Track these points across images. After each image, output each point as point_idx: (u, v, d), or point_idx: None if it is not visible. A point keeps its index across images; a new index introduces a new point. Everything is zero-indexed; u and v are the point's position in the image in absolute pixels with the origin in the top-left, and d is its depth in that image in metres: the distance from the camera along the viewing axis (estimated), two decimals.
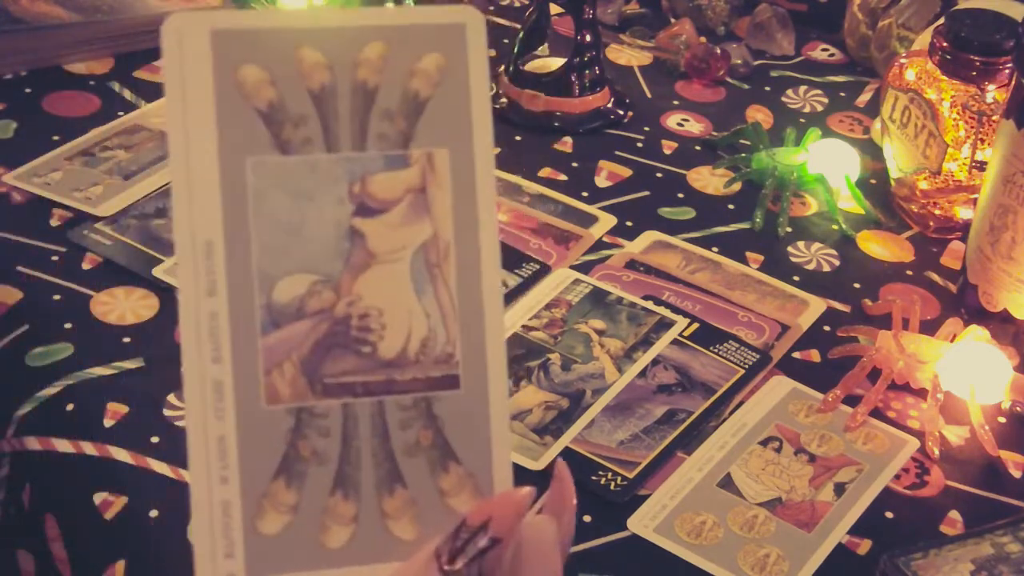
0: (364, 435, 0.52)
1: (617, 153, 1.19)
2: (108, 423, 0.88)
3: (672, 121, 1.24)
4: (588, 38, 1.21)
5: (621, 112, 1.24)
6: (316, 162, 0.51)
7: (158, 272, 0.99)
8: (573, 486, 0.54)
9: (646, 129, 1.23)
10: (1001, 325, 0.98)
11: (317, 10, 0.54)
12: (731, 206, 1.13)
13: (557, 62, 1.23)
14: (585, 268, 1.04)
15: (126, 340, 0.94)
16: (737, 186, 1.15)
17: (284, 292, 0.51)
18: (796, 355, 0.98)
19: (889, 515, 0.86)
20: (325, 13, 0.52)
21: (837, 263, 1.08)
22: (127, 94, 1.21)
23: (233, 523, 0.51)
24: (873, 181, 1.17)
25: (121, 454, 0.86)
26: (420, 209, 0.52)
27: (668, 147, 1.21)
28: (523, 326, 0.97)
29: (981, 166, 1.06)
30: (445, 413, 0.52)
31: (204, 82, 0.51)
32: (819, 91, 1.30)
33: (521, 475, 0.86)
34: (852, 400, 0.93)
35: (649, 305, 1.00)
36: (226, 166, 0.51)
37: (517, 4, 1.41)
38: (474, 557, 0.48)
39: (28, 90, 1.20)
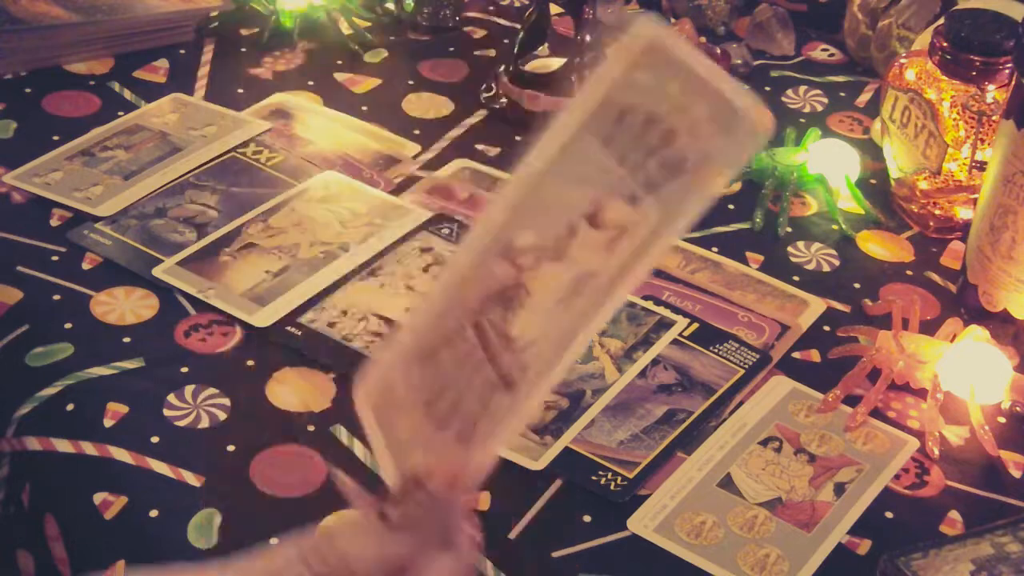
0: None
1: None
2: (108, 423, 0.88)
3: None
4: (588, 38, 1.21)
5: None
6: (603, 163, 0.55)
7: (158, 272, 0.99)
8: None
9: None
10: (1001, 325, 0.98)
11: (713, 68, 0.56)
12: (731, 206, 1.13)
13: (557, 62, 1.23)
14: None
15: (126, 340, 0.94)
16: (737, 186, 1.15)
17: (523, 239, 0.56)
18: (796, 355, 0.98)
19: (889, 515, 0.86)
20: (715, 71, 0.54)
21: (837, 263, 1.08)
22: (127, 94, 1.21)
23: None
24: (873, 181, 1.17)
25: (121, 454, 0.86)
26: (610, 247, 0.54)
27: None
28: None
29: (981, 166, 1.06)
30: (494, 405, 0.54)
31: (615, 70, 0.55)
32: (819, 91, 1.30)
33: (521, 475, 0.87)
34: (852, 400, 0.93)
35: (649, 305, 1.00)
36: (577, 133, 0.56)
37: (517, 4, 1.41)
38: (411, 507, 0.50)
39: (28, 90, 1.20)
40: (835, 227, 1.12)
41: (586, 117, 0.54)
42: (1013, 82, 0.95)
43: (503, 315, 0.53)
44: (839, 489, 0.87)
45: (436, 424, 0.53)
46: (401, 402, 0.55)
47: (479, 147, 1.18)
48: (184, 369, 0.92)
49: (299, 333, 0.95)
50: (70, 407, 0.89)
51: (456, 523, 0.51)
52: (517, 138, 1.20)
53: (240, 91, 1.22)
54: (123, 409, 0.89)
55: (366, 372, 0.57)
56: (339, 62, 1.28)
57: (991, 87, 1.04)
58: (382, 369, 0.57)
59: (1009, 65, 1.02)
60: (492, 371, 0.53)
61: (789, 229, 1.11)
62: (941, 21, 1.07)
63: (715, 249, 1.08)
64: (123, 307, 0.97)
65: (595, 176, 0.53)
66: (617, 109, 0.53)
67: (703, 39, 1.33)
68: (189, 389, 0.91)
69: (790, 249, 1.09)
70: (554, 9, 1.29)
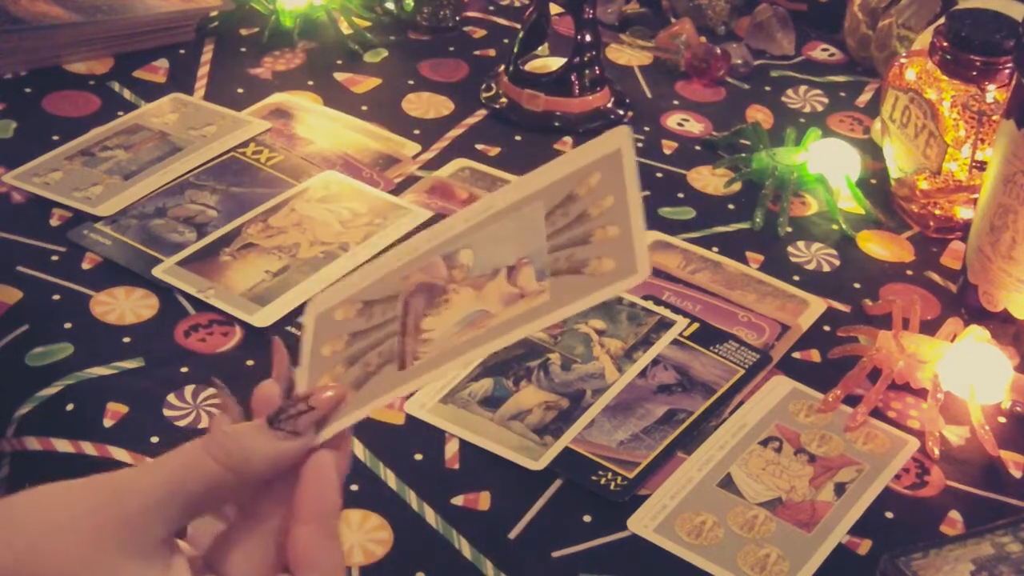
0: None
1: None
2: (108, 423, 0.88)
3: (672, 121, 1.24)
4: (588, 38, 1.21)
5: (621, 112, 1.24)
6: (538, 230, 0.59)
7: (158, 272, 0.99)
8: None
9: (646, 129, 1.23)
10: (1001, 325, 0.98)
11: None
12: (731, 206, 1.13)
13: (557, 62, 1.23)
14: None
15: (126, 340, 0.94)
16: (737, 186, 1.15)
17: (466, 256, 0.61)
18: (796, 355, 0.98)
19: (889, 515, 0.86)
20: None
21: (837, 263, 1.08)
22: (127, 94, 1.21)
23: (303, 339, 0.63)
24: (873, 181, 1.17)
25: (121, 454, 0.86)
26: (508, 302, 0.58)
27: (668, 147, 1.21)
28: None
29: (981, 166, 1.05)
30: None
31: (581, 160, 0.60)
32: (819, 91, 1.30)
33: (522, 475, 0.87)
34: (852, 400, 0.93)
35: (649, 305, 1.00)
36: (525, 200, 0.60)
37: (517, 4, 1.41)
38: (294, 416, 0.57)
39: (28, 90, 1.20)
40: (835, 227, 1.12)
41: (546, 185, 0.59)
42: (1013, 82, 0.95)
43: (425, 306, 0.60)
44: (839, 489, 0.87)
45: (347, 360, 0.60)
46: (334, 326, 0.62)
47: (479, 147, 1.18)
48: (184, 369, 0.92)
49: (299, 333, 0.95)
50: (70, 407, 0.89)
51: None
52: (517, 138, 1.20)
53: (240, 91, 1.22)
54: (123, 409, 0.89)
55: (324, 291, 0.65)
56: (339, 62, 1.28)
57: (991, 87, 1.04)
58: (335, 293, 0.64)
59: (1009, 65, 1.02)
60: (397, 345, 0.59)
61: (789, 229, 1.11)
62: (941, 21, 1.07)
63: (715, 249, 1.08)
64: (123, 307, 0.97)
65: (529, 239, 0.58)
66: (566, 192, 0.58)
67: (703, 39, 1.33)
68: (189, 389, 0.91)
69: (790, 249, 1.09)
70: (554, 9, 1.29)
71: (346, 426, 0.58)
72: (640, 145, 1.20)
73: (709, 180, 1.16)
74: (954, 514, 0.87)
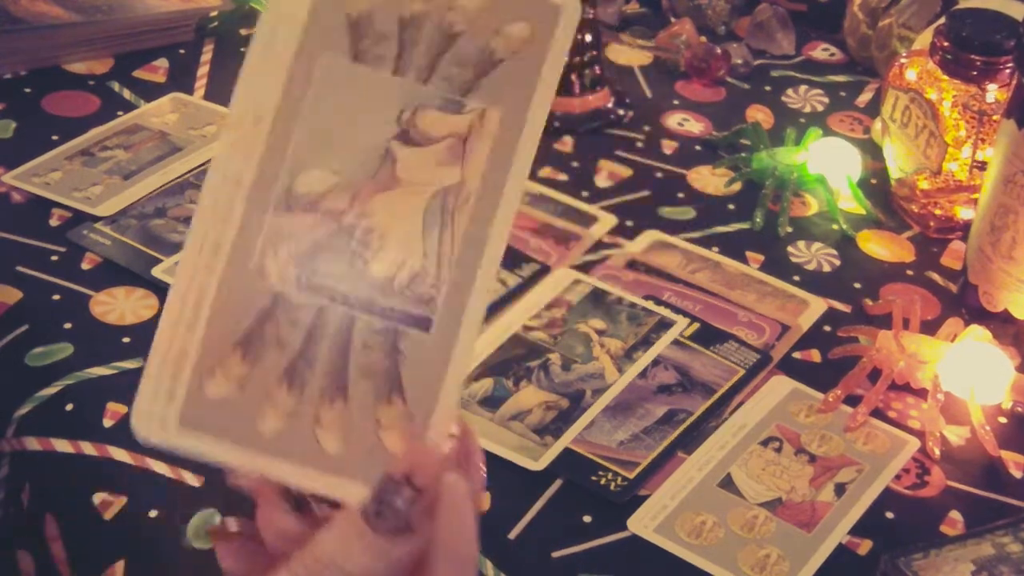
0: (327, 340, 0.53)
1: (617, 153, 1.19)
2: (108, 423, 0.88)
3: (672, 121, 1.24)
4: (588, 38, 1.21)
5: (621, 112, 1.23)
6: (380, 79, 0.53)
7: (158, 272, 0.99)
8: (477, 441, 0.54)
9: (646, 129, 1.23)
10: (1002, 325, 0.98)
11: None
12: (731, 206, 1.13)
13: None
14: (585, 268, 1.04)
15: (126, 340, 0.94)
16: (737, 186, 1.15)
17: (307, 183, 0.53)
18: (796, 355, 0.98)
19: (889, 515, 0.86)
20: None
21: (837, 263, 1.08)
22: (127, 94, 1.21)
23: (183, 372, 0.52)
24: (873, 181, 1.17)
25: (121, 454, 0.86)
26: (456, 155, 0.53)
27: (668, 147, 1.20)
28: (523, 326, 0.97)
29: (982, 166, 1.05)
30: (408, 350, 0.53)
31: None
32: (819, 91, 1.30)
33: (521, 475, 0.87)
34: (852, 400, 0.93)
35: (649, 305, 1.00)
36: (300, 55, 0.53)
37: None
38: (400, 509, 0.48)
39: (28, 90, 1.20)
40: (835, 227, 1.12)
41: (302, 36, 0.53)
42: (1014, 82, 0.95)
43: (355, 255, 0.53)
44: (839, 489, 0.87)
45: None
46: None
47: None
48: None
49: None
50: (70, 407, 0.89)
51: (459, 515, 0.50)
52: None
53: None
54: (123, 409, 0.89)
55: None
56: None
57: (992, 87, 1.04)
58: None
59: (1010, 65, 1.02)
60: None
61: (789, 229, 1.11)
62: (942, 21, 1.07)
63: (715, 249, 1.08)
64: (123, 307, 0.97)
65: (369, 97, 0.53)
66: (340, 14, 0.53)
67: (703, 39, 1.33)
68: None
69: (790, 249, 1.09)
70: None
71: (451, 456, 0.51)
72: (640, 145, 1.20)
73: (709, 180, 1.16)
74: (954, 514, 0.87)
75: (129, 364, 0.92)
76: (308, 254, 0.53)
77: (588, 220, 1.09)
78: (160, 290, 0.98)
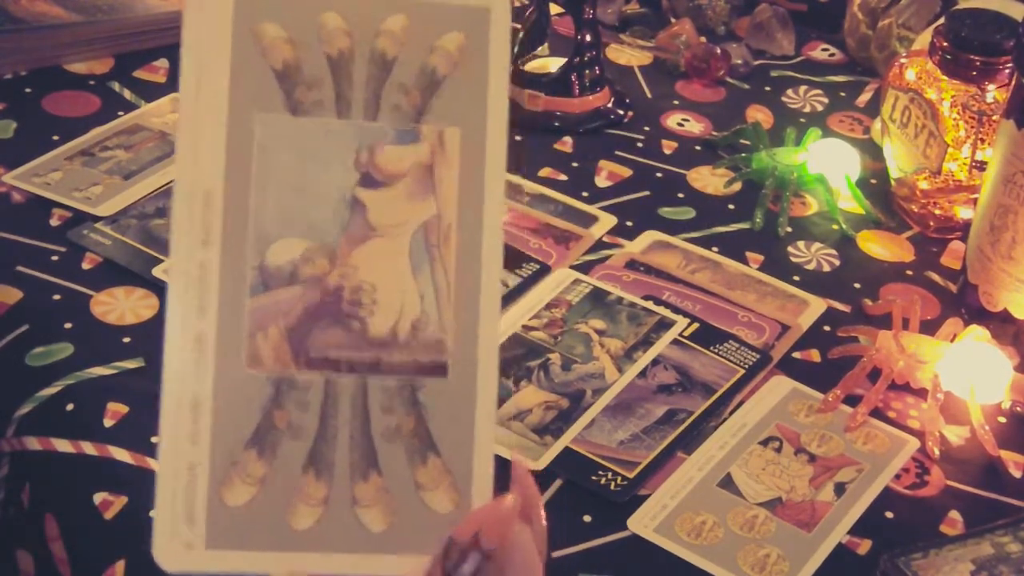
0: (343, 414, 0.50)
1: (617, 153, 1.19)
2: (108, 423, 0.88)
3: (672, 121, 1.24)
4: (588, 38, 1.21)
5: (621, 112, 1.23)
6: (325, 126, 0.51)
7: (158, 272, 0.99)
8: (534, 485, 0.52)
9: (646, 129, 1.23)
10: (1001, 325, 0.98)
11: None
12: (731, 206, 1.13)
13: (557, 62, 1.23)
14: (585, 268, 1.04)
15: (126, 340, 0.94)
16: (737, 186, 1.15)
17: (278, 254, 0.50)
18: (796, 355, 0.98)
19: (889, 515, 0.86)
20: None
21: (837, 263, 1.08)
22: (127, 94, 1.21)
23: (198, 487, 0.49)
24: (873, 181, 1.17)
25: (121, 454, 0.86)
26: (425, 186, 0.51)
27: (668, 147, 1.20)
28: (523, 326, 0.97)
29: (981, 166, 1.05)
30: (430, 401, 0.51)
31: (222, 34, 0.51)
32: (819, 91, 1.30)
33: None
34: (852, 400, 0.93)
35: (649, 305, 1.00)
36: (234, 119, 0.50)
37: (517, 4, 1.41)
38: (469, 574, 0.46)
39: (28, 90, 1.20)
40: (835, 227, 1.12)
41: (236, 94, 0.50)
42: (1013, 82, 0.95)
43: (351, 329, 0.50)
44: (839, 489, 0.87)
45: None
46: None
47: None
48: None
49: None
50: (70, 407, 0.89)
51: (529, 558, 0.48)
52: (517, 138, 1.19)
53: None
54: (123, 409, 0.89)
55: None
56: None
57: (991, 87, 1.04)
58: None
59: (1009, 65, 1.02)
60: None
61: (789, 229, 1.11)
62: (941, 21, 1.07)
63: (715, 249, 1.08)
64: (123, 307, 0.97)
65: (319, 148, 0.50)
66: (264, 68, 0.50)
67: (703, 39, 1.33)
68: None
69: (790, 249, 1.09)
70: (554, 9, 1.29)
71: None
72: (640, 145, 1.20)
73: (709, 180, 1.16)
74: (954, 514, 0.87)
75: (129, 364, 0.92)
76: (300, 328, 0.50)
77: (588, 220, 1.09)
78: (160, 290, 0.98)
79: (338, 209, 0.50)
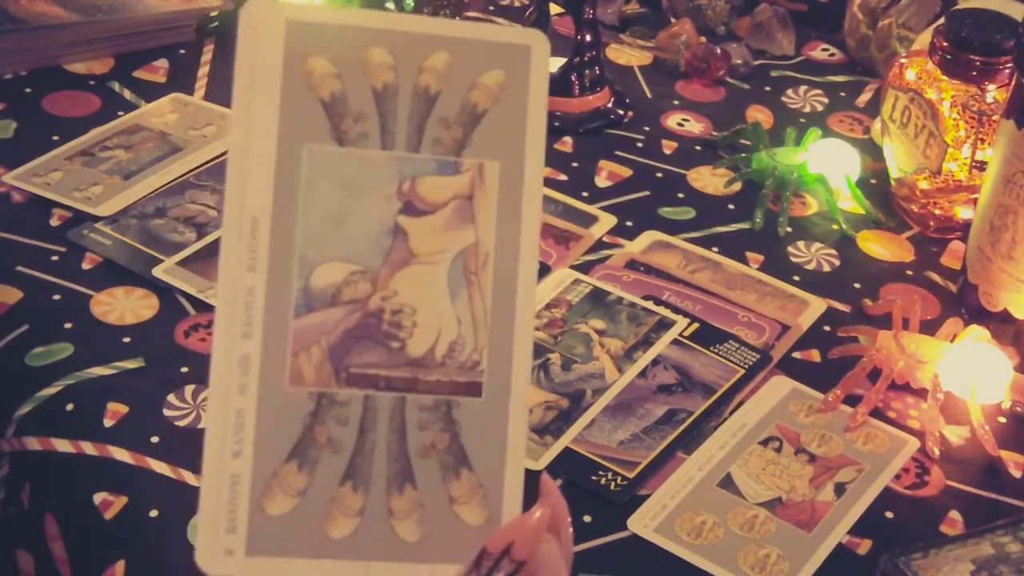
0: (381, 430, 0.52)
1: (617, 153, 1.19)
2: (108, 423, 0.88)
3: (672, 121, 1.24)
4: (588, 38, 1.21)
5: (621, 112, 1.24)
6: (370, 157, 0.53)
7: (158, 272, 0.99)
8: (562, 499, 0.54)
9: (646, 129, 1.23)
10: (1001, 325, 0.98)
11: (390, 14, 0.56)
12: (731, 206, 1.13)
13: (557, 62, 1.23)
14: (585, 268, 1.04)
15: (126, 340, 0.94)
16: (737, 186, 1.15)
17: (322, 278, 0.52)
18: (796, 355, 0.98)
19: (889, 515, 0.86)
20: (397, 17, 0.54)
21: (837, 263, 1.08)
22: (127, 94, 1.21)
23: (240, 498, 0.52)
24: (873, 181, 1.17)
25: (121, 454, 0.86)
26: (465, 216, 0.53)
27: (668, 147, 1.21)
28: None
29: (981, 166, 1.06)
30: (464, 419, 0.53)
31: (274, 68, 0.53)
32: (819, 91, 1.30)
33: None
34: (852, 400, 0.93)
35: (649, 305, 1.00)
36: (283, 150, 0.53)
37: (517, 4, 1.41)
38: None
39: (28, 90, 1.20)
40: (835, 227, 1.12)
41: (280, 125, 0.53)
42: (1013, 82, 0.95)
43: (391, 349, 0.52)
44: (839, 489, 0.87)
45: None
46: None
47: None
48: (184, 369, 0.92)
49: None
50: (70, 407, 0.89)
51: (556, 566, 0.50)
52: None
53: None
54: (123, 409, 0.89)
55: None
56: None
57: (991, 87, 1.04)
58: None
59: (1009, 65, 1.02)
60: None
61: (789, 229, 1.11)
62: (941, 21, 1.07)
63: (715, 249, 1.08)
64: (123, 307, 0.97)
65: (363, 177, 0.52)
66: (313, 100, 0.53)
67: (703, 39, 1.33)
68: (189, 389, 0.90)
69: (790, 249, 1.09)
70: (554, 9, 1.29)
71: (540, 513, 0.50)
72: (640, 145, 1.20)
73: (709, 180, 1.16)
74: (954, 514, 0.87)
75: (129, 364, 0.92)
76: (342, 347, 0.52)
77: (588, 220, 1.09)
78: (160, 290, 0.98)
79: (380, 236, 0.53)
